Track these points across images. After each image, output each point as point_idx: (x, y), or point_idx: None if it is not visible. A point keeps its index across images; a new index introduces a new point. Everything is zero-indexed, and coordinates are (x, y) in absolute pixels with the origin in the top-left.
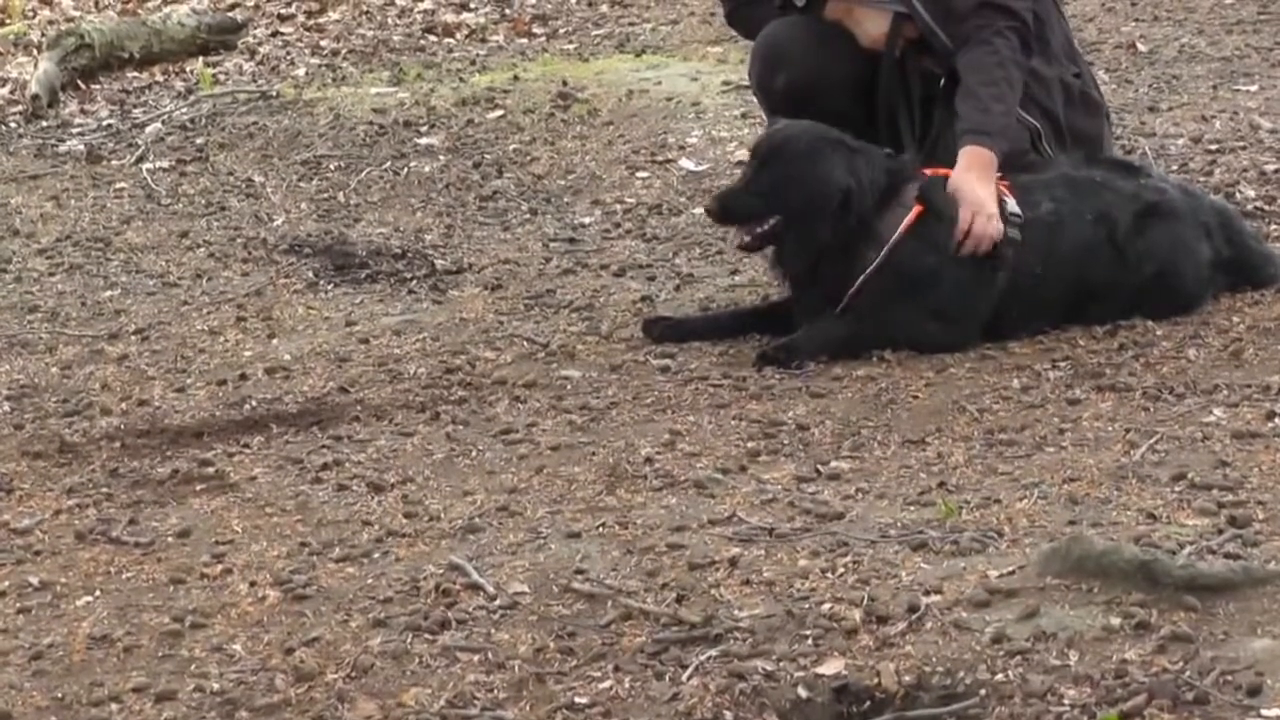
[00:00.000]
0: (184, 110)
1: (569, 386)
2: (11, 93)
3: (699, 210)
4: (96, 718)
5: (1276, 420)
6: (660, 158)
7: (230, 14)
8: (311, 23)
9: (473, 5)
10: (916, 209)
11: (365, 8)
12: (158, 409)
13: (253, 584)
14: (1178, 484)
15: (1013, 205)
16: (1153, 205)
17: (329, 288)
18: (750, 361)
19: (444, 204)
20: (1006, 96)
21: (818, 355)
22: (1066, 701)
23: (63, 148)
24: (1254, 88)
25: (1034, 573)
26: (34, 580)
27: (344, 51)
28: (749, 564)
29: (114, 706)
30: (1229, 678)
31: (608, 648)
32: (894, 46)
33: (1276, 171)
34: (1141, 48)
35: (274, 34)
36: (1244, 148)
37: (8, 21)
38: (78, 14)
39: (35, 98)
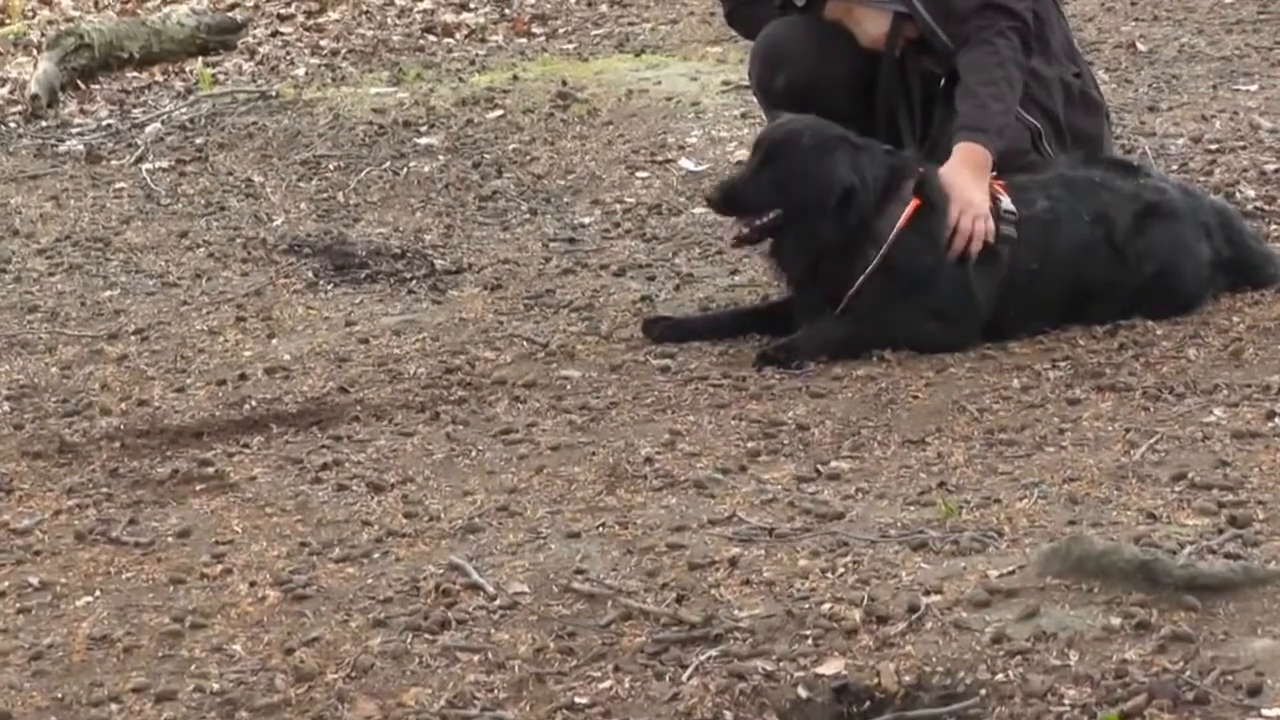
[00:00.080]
0: (183, 110)
1: (569, 386)
2: (11, 93)
3: (699, 210)
4: (96, 718)
5: (1276, 420)
6: (660, 157)
7: (230, 14)
8: (311, 23)
9: (472, 5)
10: (914, 203)
11: (365, 8)
12: (158, 409)
13: (253, 584)
14: (1178, 484)
15: (1007, 203)
16: (1152, 205)
17: (329, 288)
18: (750, 361)
19: (443, 204)
20: (1006, 96)
21: (818, 355)
22: (1067, 701)
23: (62, 148)
24: (1254, 87)
25: (1034, 573)
26: (34, 580)
27: (343, 51)
28: (749, 564)
29: (114, 706)
30: (1229, 678)
31: (608, 648)
32: (894, 46)
33: (1276, 171)
34: (1141, 47)
35: (273, 34)
36: (1244, 147)
37: (7, 21)
38: (77, 14)
39: (35, 98)
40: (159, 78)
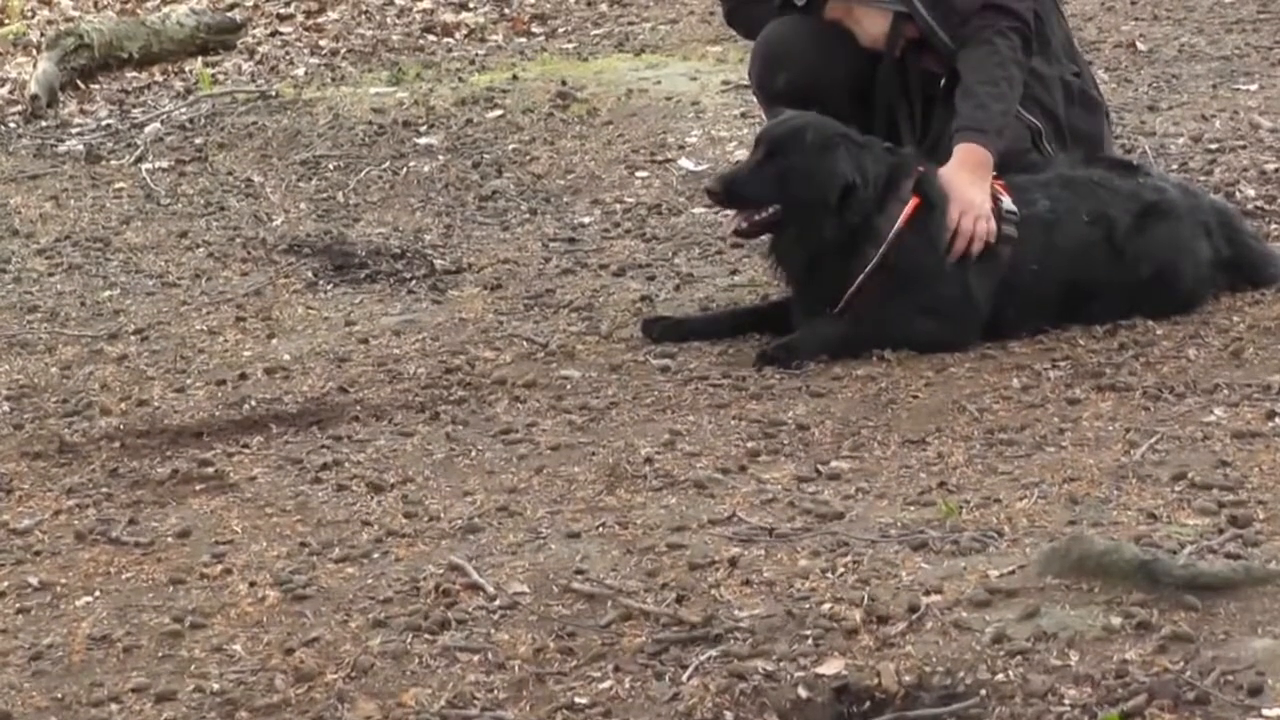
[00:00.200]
0: (183, 110)
1: (569, 386)
2: (11, 93)
3: (699, 210)
4: (96, 718)
5: (1277, 420)
6: (659, 157)
7: (229, 14)
8: (310, 22)
9: (472, 5)
10: (913, 202)
11: (364, 7)
12: (157, 409)
13: (253, 584)
14: (1178, 483)
15: (1008, 203)
16: (1152, 205)
17: (328, 288)
18: (750, 361)
19: (443, 204)
20: (1006, 96)
21: (817, 355)
22: (1067, 701)
23: (62, 148)
24: (1254, 87)
25: (1034, 573)
26: (34, 580)
27: (343, 51)
28: (749, 564)
29: (114, 706)
30: (1230, 677)
31: (608, 648)
32: (894, 46)
33: (1276, 171)
34: (1141, 47)
35: (273, 34)
36: (1244, 147)
37: (7, 21)
38: (77, 14)
39: (34, 98)
40: (159, 78)
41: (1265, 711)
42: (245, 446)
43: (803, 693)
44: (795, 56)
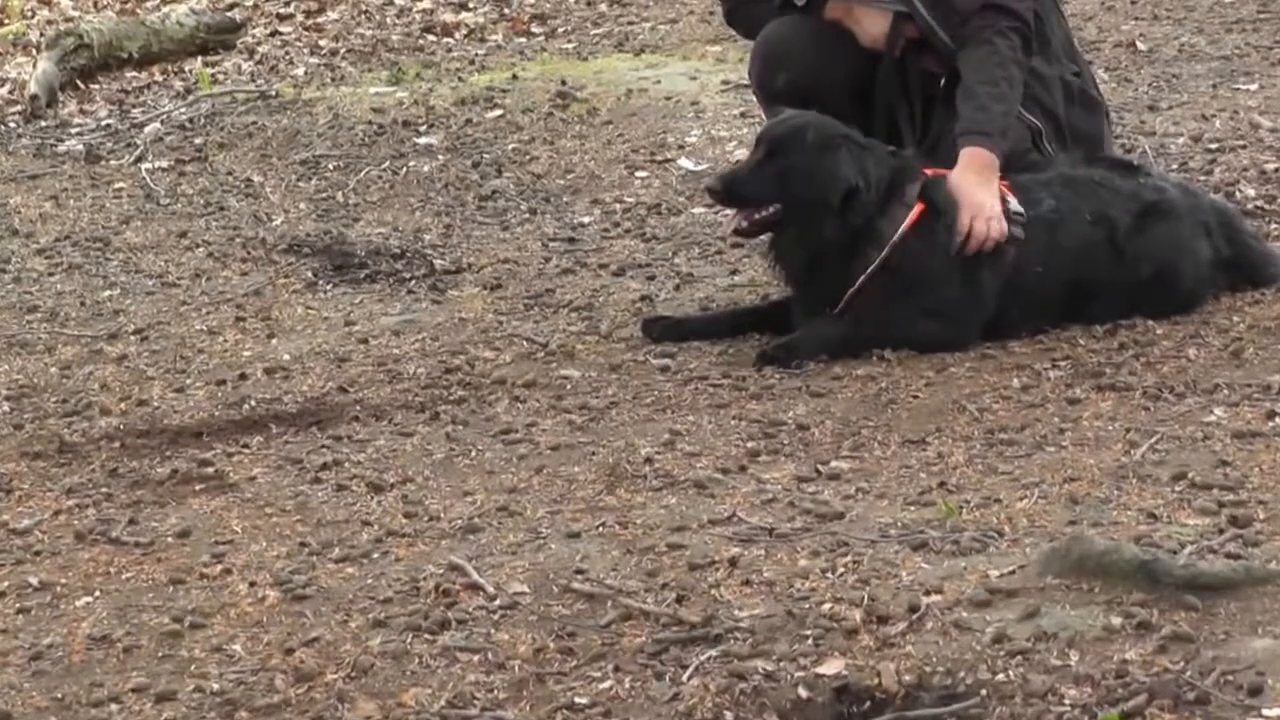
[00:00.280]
0: (183, 110)
1: (568, 386)
2: (10, 93)
3: (699, 210)
4: (96, 718)
5: (1277, 420)
6: (659, 157)
7: (229, 14)
8: (310, 22)
9: (471, 4)
10: (919, 208)
11: (364, 7)
12: (157, 409)
13: (253, 584)
14: (1178, 483)
15: (1015, 204)
16: (1152, 204)
17: (328, 288)
18: (750, 361)
19: (443, 204)
20: (1007, 96)
21: (817, 355)
22: (1067, 701)
23: (62, 148)
24: (1254, 86)
25: (1034, 573)
26: (34, 580)
27: (343, 51)
28: (749, 564)
29: (114, 707)
30: (1230, 678)
31: (608, 648)
32: (894, 46)
33: (1277, 170)
34: (1141, 46)
35: (273, 33)
36: (1244, 146)
37: (6, 21)
38: (76, 14)
39: (34, 98)
40: (158, 77)
41: (1265, 711)
42: (245, 446)
43: (803, 693)
44: (795, 56)
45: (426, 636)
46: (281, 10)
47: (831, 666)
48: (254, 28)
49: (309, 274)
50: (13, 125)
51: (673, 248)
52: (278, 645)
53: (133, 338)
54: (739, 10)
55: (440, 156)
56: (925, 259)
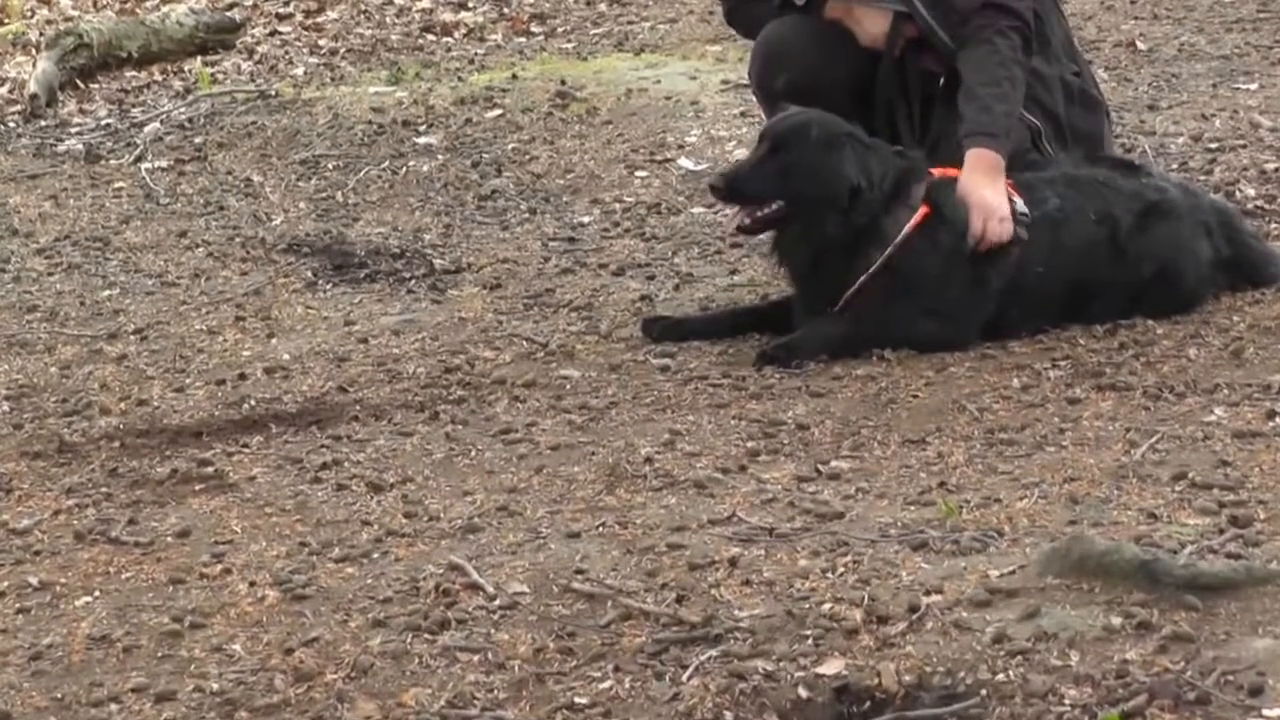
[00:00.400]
0: (182, 110)
1: (568, 386)
2: (10, 92)
3: (699, 209)
4: (96, 718)
5: (1277, 419)
6: (659, 157)
7: (228, 13)
8: (310, 22)
9: (471, 4)
10: (923, 210)
11: (363, 7)
12: (157, 409)
13: (252, 584)
14: (1178, 483)
15: (1020, 205)
16: (1153, 204)
17: (328, 287)
18: (750, 361)
19: (442, 203)
20: (1009, 96)
21: (818, 354)
22: (1067, 702)
23: (61, 147)
24: (1254, 86)
25: (1034, 572)
26: (33, 580)
27: (342, 50)
28: (749, 564)
29: (114, 706)
30: (1230, 678)
31: (608, 648)
32: (894, 46)
33: (1277, 170)
34: (1141, 46)
35: (272, 33)
36: (1244, 146)
37: (6, 21)
38: (76, 13)
39: (34, 97)
40: (158, 77)
41: (1266, 711)
42: (245, 446)
43: (803, 693)
44: (795, 56)
45: (426, 636)
46: (281, 10)
47: (831, 666)
48: (253, 27)
49: (309, 274)
50: (12, 125)
51: (672, 247)
52: (277, 645)
53: (132, 337)
54: (739, 10)
55: (440, 156)
56: (929, 259)
